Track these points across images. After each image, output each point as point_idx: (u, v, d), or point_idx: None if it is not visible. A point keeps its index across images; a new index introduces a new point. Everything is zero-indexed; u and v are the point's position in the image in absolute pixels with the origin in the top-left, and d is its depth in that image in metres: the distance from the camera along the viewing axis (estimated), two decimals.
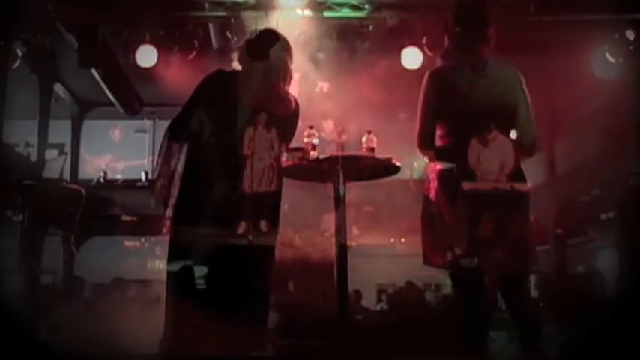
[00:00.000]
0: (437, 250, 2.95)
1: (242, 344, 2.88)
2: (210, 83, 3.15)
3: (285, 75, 3.24)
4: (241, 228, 3.02)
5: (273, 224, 3.14)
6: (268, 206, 3.12)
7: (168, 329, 2.95)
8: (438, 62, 3.15)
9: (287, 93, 3.25)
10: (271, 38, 3.29)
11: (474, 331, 2.88)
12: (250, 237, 3.02)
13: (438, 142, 3.01)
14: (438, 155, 3.00)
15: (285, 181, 3.62)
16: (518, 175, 2.97)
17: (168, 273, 3.05)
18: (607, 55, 7.10)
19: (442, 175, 2.94)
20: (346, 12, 7.22)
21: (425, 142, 3.01)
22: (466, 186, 2.86)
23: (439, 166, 2.98)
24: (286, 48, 3.29)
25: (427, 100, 3.01)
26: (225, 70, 3.24)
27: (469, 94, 2.96)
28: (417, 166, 8.46)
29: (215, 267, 2.97)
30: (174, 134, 3.17)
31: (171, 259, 3.05)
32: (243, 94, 3.10)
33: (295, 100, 3.28)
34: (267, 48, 3.21)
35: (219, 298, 2.90)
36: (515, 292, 2.96)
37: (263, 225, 3.07)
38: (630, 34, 6.82)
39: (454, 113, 2.96)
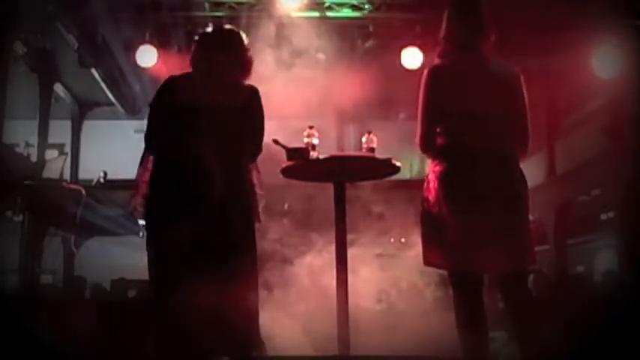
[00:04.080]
0: (436, 250, 2.95)
1: (238, 344, 2.89)
2: (161, 92, 3.17)
3: (238, 65, 3.20)
4: (211, 224, 2.95)
5: (243, 217, 3.04)
6: (234, 195, 3.03)
7: (162, 328, 2.95)
8: (436, 61, 3.13)
9: (238, 84, 3.16)
10: (220, 34, 3.38)
11: (474, 330, 2.88)
12: (221, 230, 2.96)
13: (438, 141, 3.00)
14: (438, 154, 2.99)
15: (288, 181, 3.61)
16: (518, 174, 2.97)
17: (151, 275, 3.03)
18: (601, 57, 7.14)
19: (441, 175, 2.94)
20: (346, 12, 7.24)
21: (427, 142, 3.00)
22: (464, 185, 2.86)
23: (438, 166, 2.97)
24: (240, 40, 3.26)
25: (427, 98, 3.00)
26: (176, 75, 3.22)
27: (468, 93, 2.95)
28: (412, 165, 8.47)
29: (193, 268, 2.93)
30: (146, 145, 3.22)
31: (152, 262, 3.04)
32: (193, 94, 3.09)
33: (252, 89, 3.15)
34: (216, 44, 3.24)
35: (205, 296, 2.87)
36: (514, 291, 2.95)
37: (231, 216, 3.00)
38: (624, 38, 6.87)
39: (453, 111, 2.96)
